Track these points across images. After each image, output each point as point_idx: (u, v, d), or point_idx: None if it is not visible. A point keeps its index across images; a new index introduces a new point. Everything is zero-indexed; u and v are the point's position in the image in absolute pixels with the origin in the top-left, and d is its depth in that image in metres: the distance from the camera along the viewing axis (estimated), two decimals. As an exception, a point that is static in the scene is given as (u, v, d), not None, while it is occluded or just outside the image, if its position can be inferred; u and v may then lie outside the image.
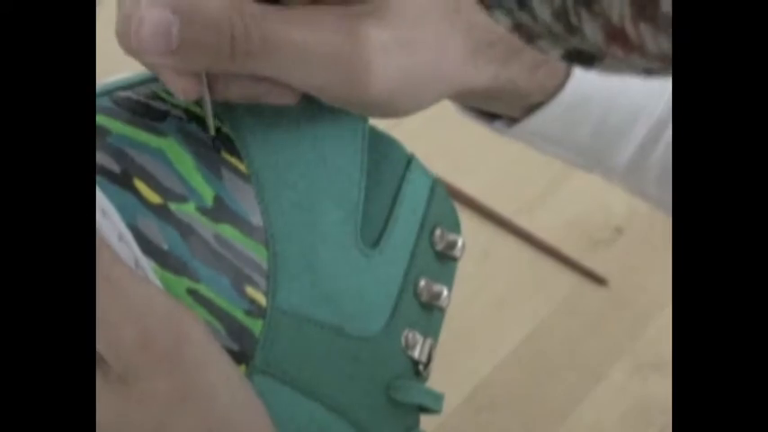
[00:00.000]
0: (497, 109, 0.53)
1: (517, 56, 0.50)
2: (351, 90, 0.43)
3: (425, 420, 0.58)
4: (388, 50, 0.43)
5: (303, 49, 0.42)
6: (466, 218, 0.93)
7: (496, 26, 0.50)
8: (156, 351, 0.40)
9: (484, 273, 0.86)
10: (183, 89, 0.42)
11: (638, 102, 0.54)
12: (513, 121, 0.53)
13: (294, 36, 0.41)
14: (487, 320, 0.65)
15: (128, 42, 0.42)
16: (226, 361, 0.42)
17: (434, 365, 0.60)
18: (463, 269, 0.65)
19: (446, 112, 0.70)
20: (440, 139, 0.76)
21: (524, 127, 0.53)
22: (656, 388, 0.69)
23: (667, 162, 0.55)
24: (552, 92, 0.52)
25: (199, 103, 0.45)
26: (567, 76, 0.52)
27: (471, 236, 0.91)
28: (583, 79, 0.52)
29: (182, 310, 0.41)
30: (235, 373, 0.42)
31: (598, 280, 0.91)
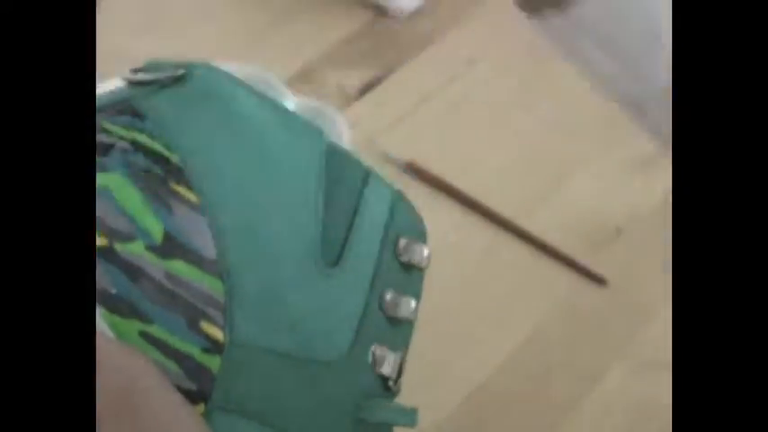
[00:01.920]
0: None
1: None
2: None
3: (422, 418, 0.58)
4: None
5: None
6: (466, 218, 0.93)
7: None
8: (106, 402, 0.39)
9: (484, 273, 0.86)
10: None
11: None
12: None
13: None
14: (487, 321, 0.65)
15: None
16: (180, 405, 0.41)
17: (434, 366, 0.60)
18: (463, 269, 0.64)
19: (447, 112, 0.71)
20: (440, 139, 0.76)
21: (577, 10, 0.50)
22: (656, 388, 0.69)
23: None
24: None
25: (145, 131, 0.44)
26: None
27: (471, 236, 0.91)
28: None
29: (132, 358, 0.40)
30: (191, 418, 0.41)
31: (598, 280, 0.91)
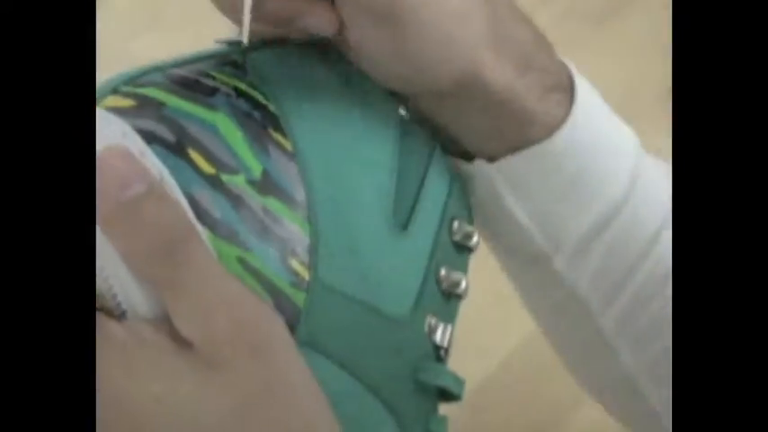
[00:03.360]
0: (489, 137, 0.52)
1: (532, 71, 0.50)
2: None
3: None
4: None
5: None
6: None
7: (520, 31, 0.50)
8: (246, 343, 0.40)
9: (484, 272, 0.86)
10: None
11: (607, 172, 0.52)
12: (492, 160, 0.52)
13: None
14: (487, 320, 0.65)
15: None
16: (304, 366, 0.43)
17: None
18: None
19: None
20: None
21: (507, 164, 0.51)
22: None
23: (607, 258, 0.53)
24: (552, 127, 0.51)
25: (245, 80, 0.46)
26: (567, 113, 0.51)
27: (471, 236, 0.91)
28: (580, 121, 0.51)
29: (270, 310, 0.42)
30: (312, 379, 0.43)
31: (598, 280, 0.91)
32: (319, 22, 0.46)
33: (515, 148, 0.51)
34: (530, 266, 0.56)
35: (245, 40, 0.46)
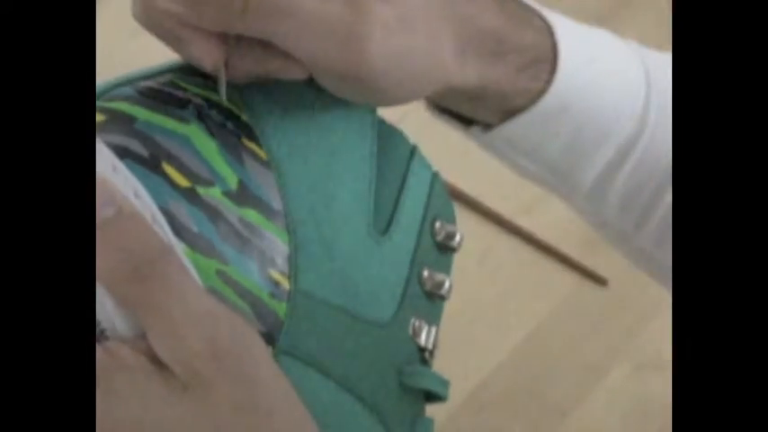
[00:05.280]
0: (476, 113, 0.53)
1: (504, 55, 0.50)
2: (348, 62, 0.44)
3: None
4: (388, 27, 0.44)
5: (306, 12, 0.43)
6: (466, 218, 0.93)
7: (486, 20, 0.51)
8: (223, 361, 0.40)
9: (484, 273, 0.86)
10: (206, 52, 0.45)
11: (610, 118, 0.54)
12: (488, 127, 0.53)
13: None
14: (487, 320, 0.65)
15: (149, 12, 0.44)
16: (284, 378, 0.43)
17: (434, 365, 0.61)
18: (463, 269, 0.64)
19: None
20: (440, 139, 0.76)
21: (500, 133, 0.53)
22: (656, 388, 0.69)
23: (630, 188, 0.55)
24: (534, 97, 0.52)
25: (217, 90, 0.46)
26: (549, 81, 0.52)
27: (471, 236, 0.91)
28: (564, 86, 0.52)
29: (244, 325, 0.42)
30: (291, 389, 0.43)
31: (598, 280, 0.91)
32: (292, 76, 0.46)
33: (504, 115, 0.52)
34: (562, 199, 0.58)
35: (222, 96, 0.46)
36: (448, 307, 0.65)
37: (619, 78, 0.54)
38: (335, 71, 0.45)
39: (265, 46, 0.45)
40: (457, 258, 0.64)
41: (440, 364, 0.61)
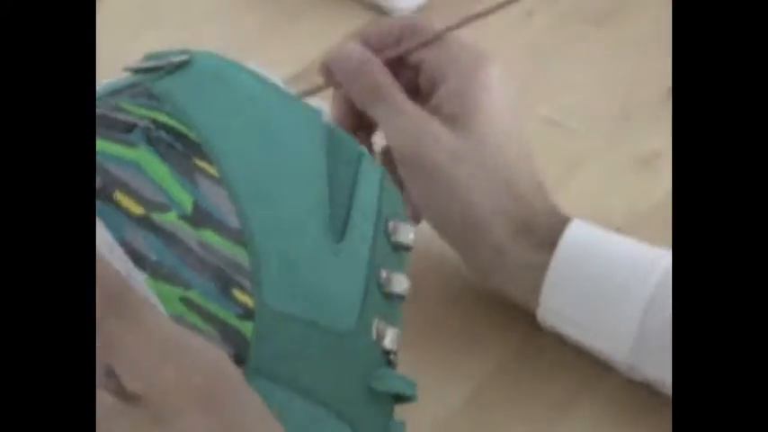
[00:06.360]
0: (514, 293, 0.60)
1: (552, 246, 0.56)
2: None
3: (422, 418, 0.58)
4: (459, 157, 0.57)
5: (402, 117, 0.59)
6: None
7: (539, 209, 0.56)
8: (194, 390, 0.40)
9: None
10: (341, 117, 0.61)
11: (627, 274, 0.57)
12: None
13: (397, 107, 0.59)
14: (487, 320, 0.65)
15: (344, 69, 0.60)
16: (256, 397, 0.42)
17: (435, 365, 0.60)
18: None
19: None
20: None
21: (546, 304, 0.59)
22: (656, 387, 0.69)
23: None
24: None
25: (163, 111, 0.46)
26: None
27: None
28: (570, 247, 0.57)
29: (214, 349, 0.42)
30: (265, 408, 0.43)
31: (598, 280, 0.91)
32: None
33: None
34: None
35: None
36: (448, 307, 0.64)
37: (632, 248, 0.59)
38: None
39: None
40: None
41: (440, 364, 0.61)
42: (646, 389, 0.61)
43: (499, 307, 0.64)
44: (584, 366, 0.72)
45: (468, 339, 0.64)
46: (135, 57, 0.53)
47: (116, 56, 0.46)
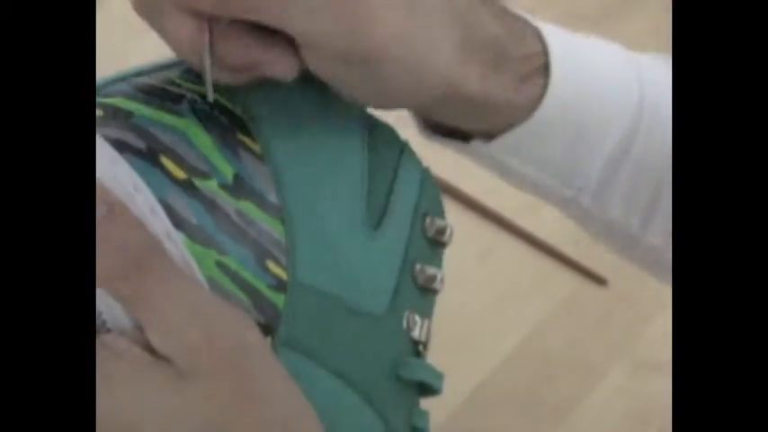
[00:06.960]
0: (475, 125, 0.53)
1: (504, 65, 0.50)
2: (353, 39, 0.43)
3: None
4: (395, 6, 0.44)
5: None
6: (466, 218, 0.93)
7: (488, 30, 0.51)
8: (220, 352, 0.41)
9: (484, 273, 0.86)
10: (187, 37, 0.43)
11: (609, 111, 0.54)
12: (490, 139, 0.53)
13: None
14: (487, 320, 0.65)
15: None
16: (282, 369, 0.43)
17: (434, 365, 0.61)
18: (463, 269, 0.64)
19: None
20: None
21: (504, 141, 0.53)
22: (656, 388, 0.69)
23: (635, 180, 0.55)
24: (533, 104, 0.52)
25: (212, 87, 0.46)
26: (545, 86, 0.52)
27: (471, 236, 0.91)
28: (561, 89, 0.52)
29: (242, 316, 0.42)
30: (290, 380, 0.43)
31: (598, 280, 0.91)
32: (282, 70, 0.45)
33: (504, 126, 0.52)
34: (563, 208, 0.58)
35: (209, 96, 0.46)
36: (448, 306, 0.65)
37: (613, 74, 0.55)
38: (337, 49, 0.44)
39: (255, 34, 0.44)
40: (457, 258, 0.64)
41: (440, 364, 0.61)
42: (646, 389, 0.61)
43: (499, 307, 0.64)
44: (584, 367, 0.73)
45: (468, 339, 0.64)
46: (135, 57, 0.53)
47: (116, 56, 0.46)
